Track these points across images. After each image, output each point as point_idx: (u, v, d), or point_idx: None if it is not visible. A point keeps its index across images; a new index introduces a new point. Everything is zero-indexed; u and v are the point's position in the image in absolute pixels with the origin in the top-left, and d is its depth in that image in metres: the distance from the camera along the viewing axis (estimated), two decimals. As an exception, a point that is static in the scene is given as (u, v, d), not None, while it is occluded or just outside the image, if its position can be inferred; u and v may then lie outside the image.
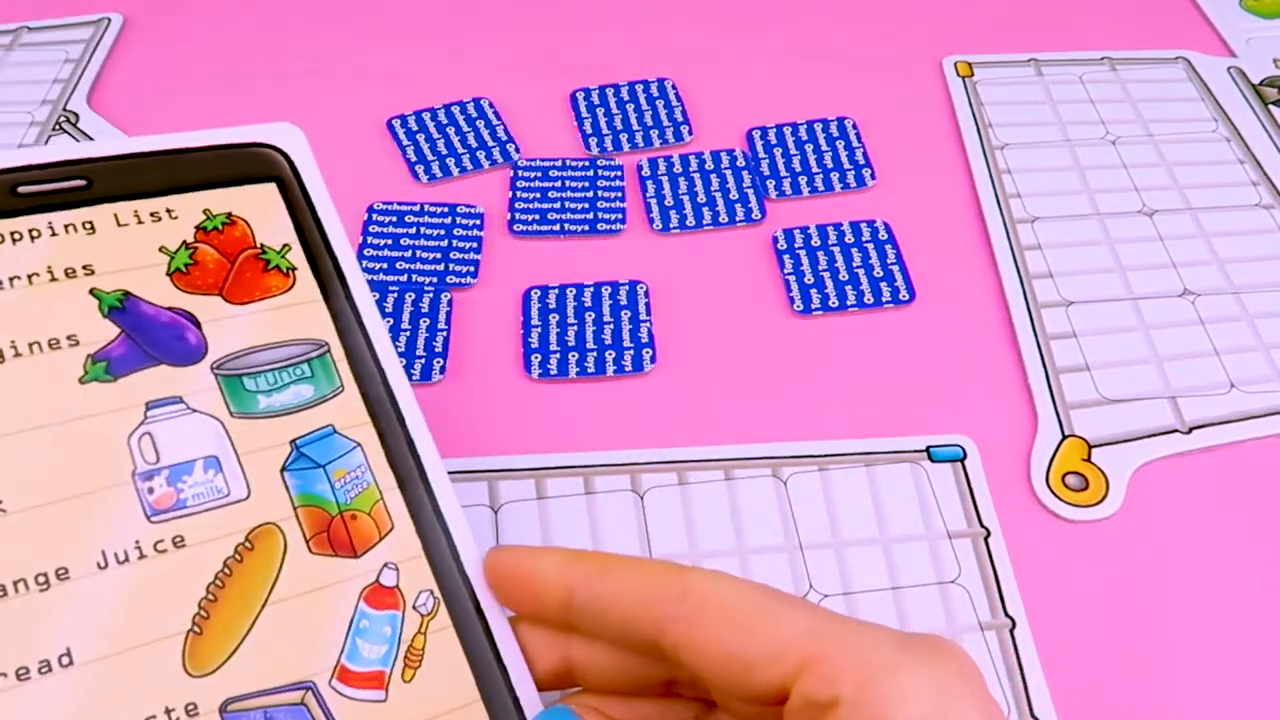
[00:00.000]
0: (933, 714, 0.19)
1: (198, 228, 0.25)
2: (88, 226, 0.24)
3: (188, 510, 0.22)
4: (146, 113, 0.48)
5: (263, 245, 0.26)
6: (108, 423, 0.23)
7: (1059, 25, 0.54)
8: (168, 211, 0.25)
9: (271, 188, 0.26)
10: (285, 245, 0.26)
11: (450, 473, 0.35)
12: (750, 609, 0.21)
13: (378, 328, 0.26)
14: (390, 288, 0.41)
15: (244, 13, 0.53)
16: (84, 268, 0.24)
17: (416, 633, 0.23)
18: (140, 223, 0.25)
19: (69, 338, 0.23)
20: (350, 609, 0.23)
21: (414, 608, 0.23)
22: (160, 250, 0.25)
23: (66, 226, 0.24)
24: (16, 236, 0.24)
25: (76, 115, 0.47)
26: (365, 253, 0.42)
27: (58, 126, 0.47)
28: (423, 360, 0.38)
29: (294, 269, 0.26)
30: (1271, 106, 0.49)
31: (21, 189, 0.24)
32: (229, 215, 0.26)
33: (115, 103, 0.48)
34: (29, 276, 0.23)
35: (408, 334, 0.39)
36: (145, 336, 0.24)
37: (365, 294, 0.26)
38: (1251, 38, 0.53)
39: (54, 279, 0.24)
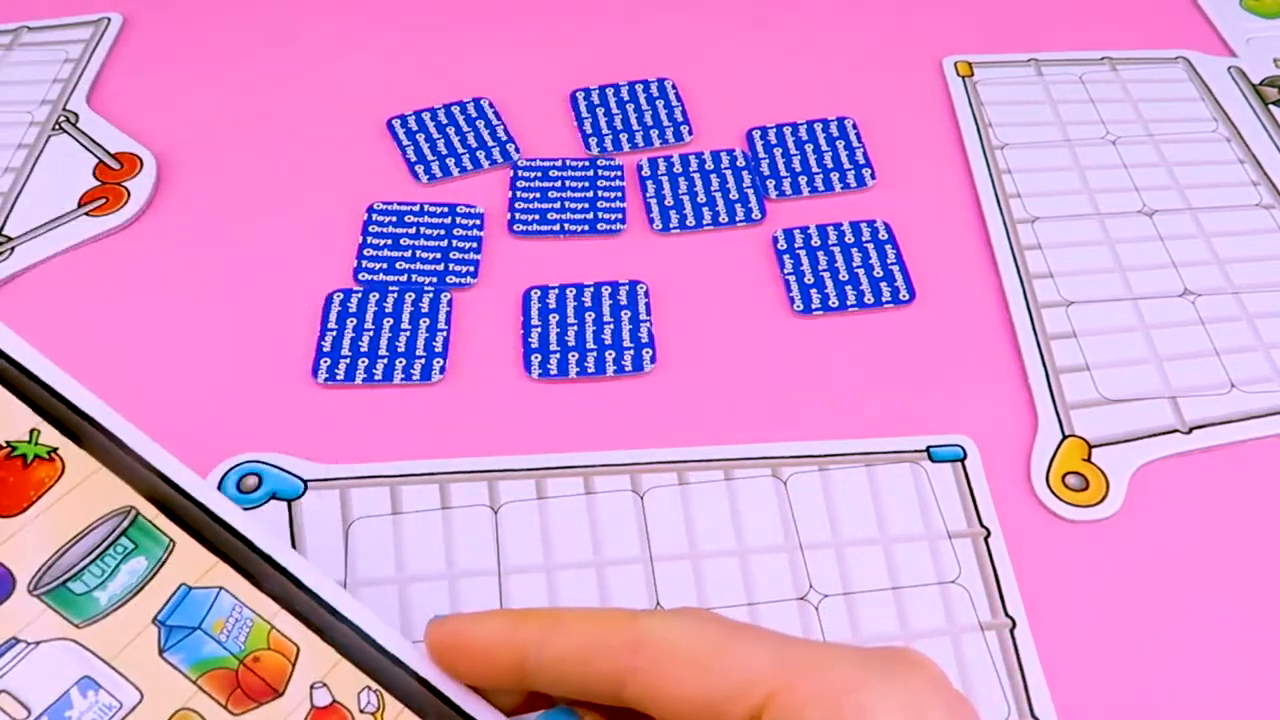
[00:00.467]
0: None
1: None
2: None
3: None
4: (146, 113, 0.48)
5: (9, 443, 0.23)
6: None
7: (1059, 25, 0.54)
8: None
9: None
10: (33, 431, 0.23)
11: (450, 473, 0.35)
12: (706, 647, 0.21)
13: (170, 464, 0.24)
14: (390, 288, 0.41)
15: (244, 13, 0.53)
16: None
17: None
18: None
19: None
20: None
21: (361, 711, 0.22)
22: None
23: None
24: None
25: (76, 115, 0.47)
26: (365, 253, 0.42)
27: (57, 126, 0.47)
28: (423, 360, 0.38)
29: (54, 449, 0.23)
30: (1271, 106, 0.49)
31: None
32: None
33: (115, 103, 0.48)
34: None
35: (408, 334, 0.39)
36: None
37: (137, 435, 0.24)
38: (1251, 38, 0.53)
39: None
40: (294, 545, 0.33)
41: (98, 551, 0.22)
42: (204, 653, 0.22)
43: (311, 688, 0.22)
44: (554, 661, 0.22)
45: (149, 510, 0.23)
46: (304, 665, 0.22)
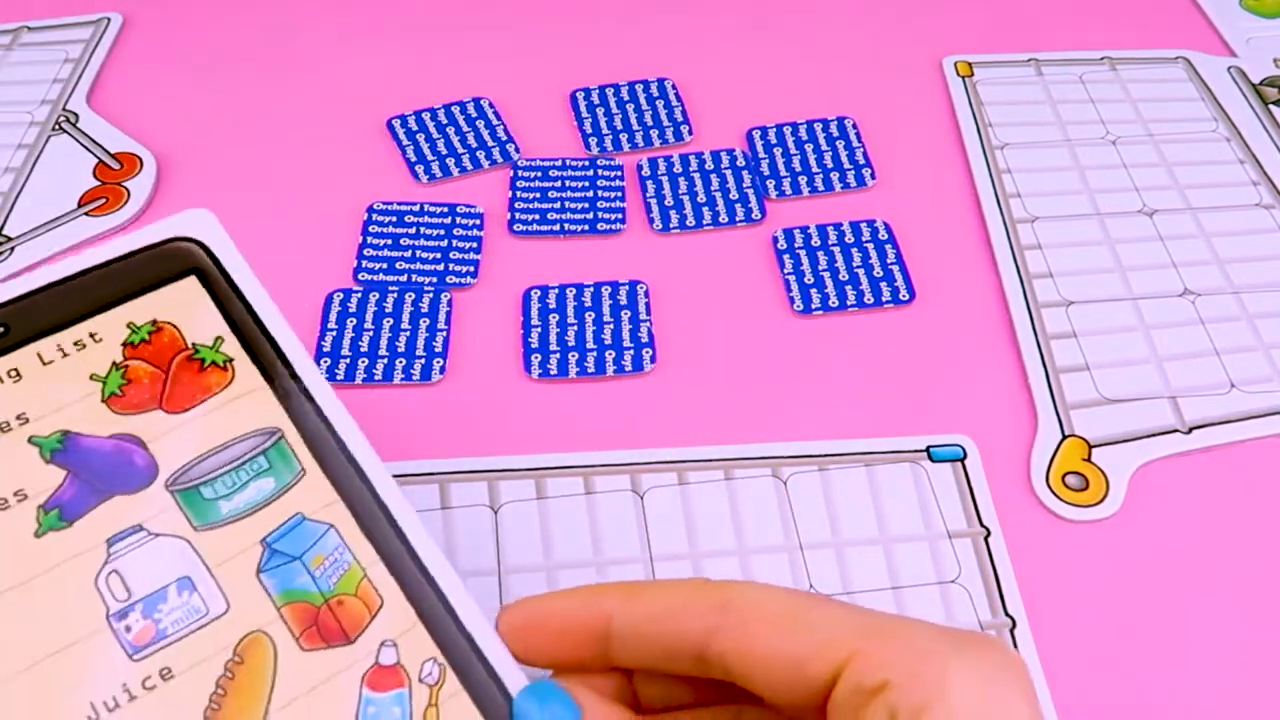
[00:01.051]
0: (981, 698, 0.20)
1: (124, 344, 0.24)
2: (13, 375, 0.23)
3: (169, 639, 0.22)
4: (146, 112, 0.48)
5: (194, 345, 0.25)
6: (72, 570, 0.22)
7: (1059, 25, 0.54)
8: (91, 336, 0.24)
9: (192, 281, 0.25)
10: (218, 338, 0.25)
11: (450, 473, 0.35)
12: (793, 609, 0.22)
13: (329, 399, 0.25)
14: (390, 288, 0.41)
15: (244, 13, 0.53)
16: (18, 418, 0.23)
17: (428, 705, 0.22)
18: (66, 355, 0.24)
19: (16, 494, 0.22)
20: (355, 699, 0.22)
21: (420, 680, 0.22)
22: (92, 378, 0.24)
23: None
24: None
25: (76, 115, 0.47)
26: (365, 253, 0.42)
27: (57, 126, 0.47)
28: (423, 360, 0.38)
29: (231, 360, 0.25)
30: (1271, 106, 0.49)
31: None
32: (154, 323, 0.25)
33: (115, 103, 0.48)
34: None
35: (408, 334, 0.39)
36: (93, 473, 0.23)
37: (309, 367, 0.25)
38: (1251, 38, 0.53)
39: None
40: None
41: (236, 463, 0.24)
42: (296, 583, 0.23)
43: (381, 644, 0.23)
44: (640, 623, 0.23)
45: (294, 436, 0.24)
46: (381, 620, 0.23)
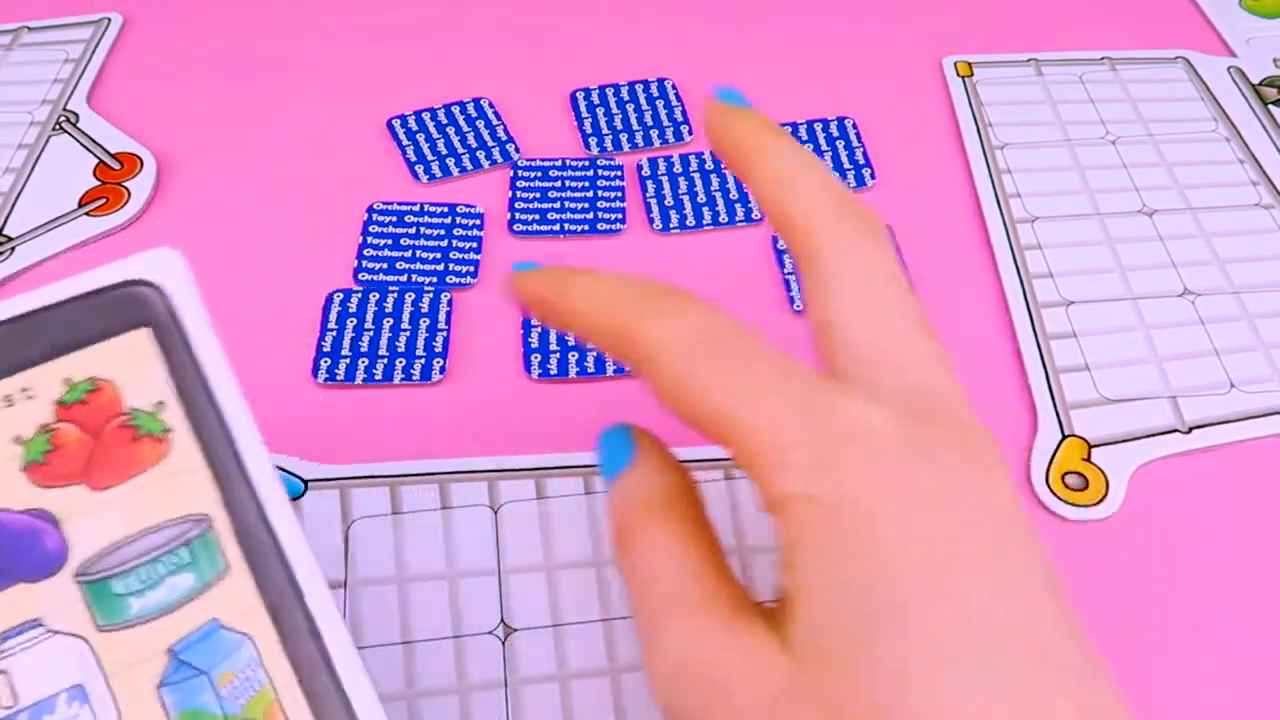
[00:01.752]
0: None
1: (57, 403, 0.21)
2: None
3: None
4: (146, 113, 0.48)
5: (132, 410, 0.22)
6: None
7: (1059, 25, 0.54)
8: (22, 392, 0.21)
9: (144, 335, 0.22)
10: (159, 403, 0.22)
11: (450, 473, 0.35)
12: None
13: (270, 488, 0.22)
14: (390, 288, 0.41)
15: (244, 13, 0.53)
16: None
17: None
18: None
19: None
20: None
21: None
22: (15, 441, 0.21)
23: None
24: None
25: (76, 115, 0.47)
26: (365, 253, 0.42)
27: (58, 126, 0.47)
28: (423, 360, 0.38)
29: (169, 431, 0.22)
30: (1271, 106, 0.49)
31: None
32: (93, 380, 0.22)
33: (115, 103, 0.48)
34: None
35: (408, 334, 0.39)
36: None
37: (255, 447, 0.22)
38: (1251, 38, 0.53)
39: None
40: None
41: (154, 553, 0.21)
42: (198, 702, 0.20)
43: None
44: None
45: (224, 526, 0.21)
46: None
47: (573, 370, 0.38)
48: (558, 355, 0.39)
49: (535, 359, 0.38)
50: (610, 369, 0.38)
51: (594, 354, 0.39)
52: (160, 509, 0.21)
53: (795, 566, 0.21)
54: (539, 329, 0.39)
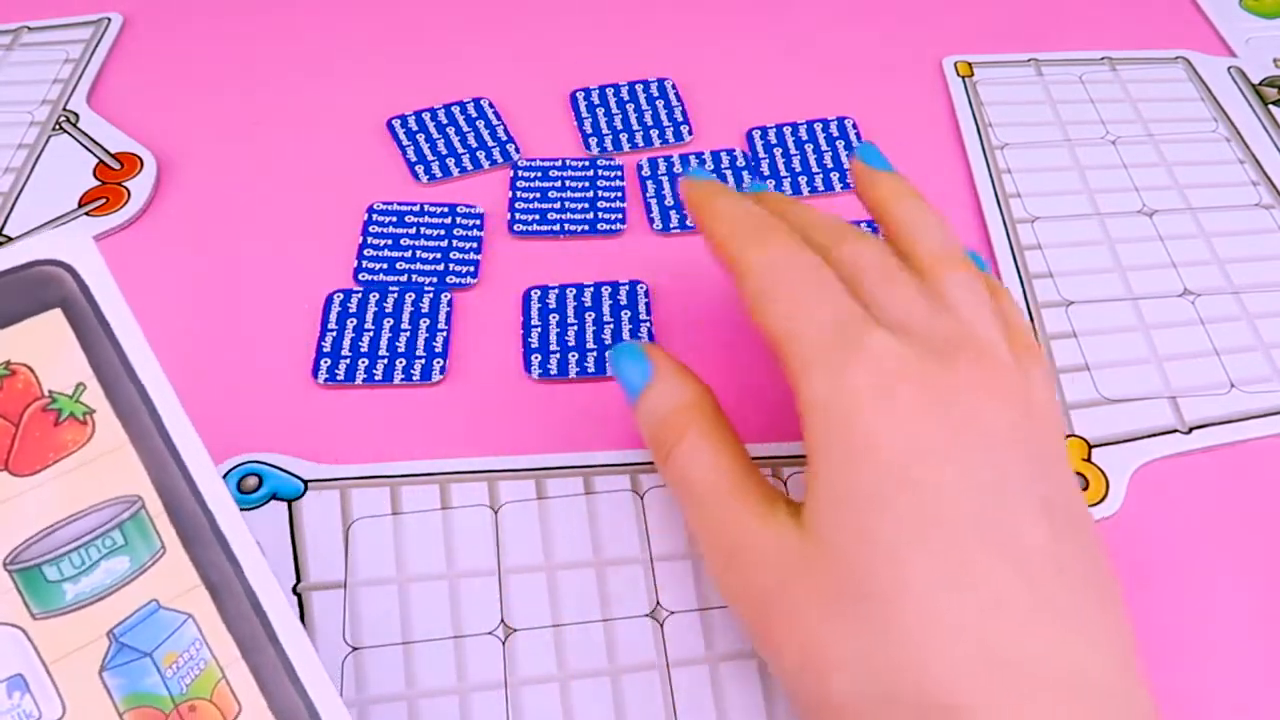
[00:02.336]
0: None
1: None
2: None
3: None
4: (146, 113, 0.48)
5: (51, 393, 0.21)
6: None
7: (1059, 25, 0.54)
8: None
9: (56, 316, 0.22)
10: (79, 385, 0.21)
11: (450, 473, 0.35)
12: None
13: (201, 463, 0.21)
14: (390, 288, 0.41)
15: (244, 13, 0.53)
16: None
17: None
18: None
19: None
20: None
21: None
22: None
23: None
24: None
25: (76, 115, 0.47)
26: (365, 253, 0.42)
27: (58, 126, 0.47)
28: (423, 360, 0.38)
29: (91, 413, 0.21)
30: (1271, 106, 0.49)
31: None
32: (6, 365, 0.21)
33: (115, 103, 0.48)
34: None
35: (408, 334, 0.39)
36: None
37: (182, 422, 0.21)
38: (1251, 38, 0.53)
39: None
40: (293, 545, 0.33)
41: (86, 538, 0.20)
42: (143, 685, 0.20)
43: None
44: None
45: (155, 506, 0.21)
46: None
47: (573, 370, 0.38)
48: (558, 355, 0.39)
49: (535, 359, 0.38)
50: (610, 369, 0.38)
51: (594, 354, 0.39)
52: (89, 492, 0.21)
53: (811, 464, 0.26)
54: (539, 329, 0.39)
